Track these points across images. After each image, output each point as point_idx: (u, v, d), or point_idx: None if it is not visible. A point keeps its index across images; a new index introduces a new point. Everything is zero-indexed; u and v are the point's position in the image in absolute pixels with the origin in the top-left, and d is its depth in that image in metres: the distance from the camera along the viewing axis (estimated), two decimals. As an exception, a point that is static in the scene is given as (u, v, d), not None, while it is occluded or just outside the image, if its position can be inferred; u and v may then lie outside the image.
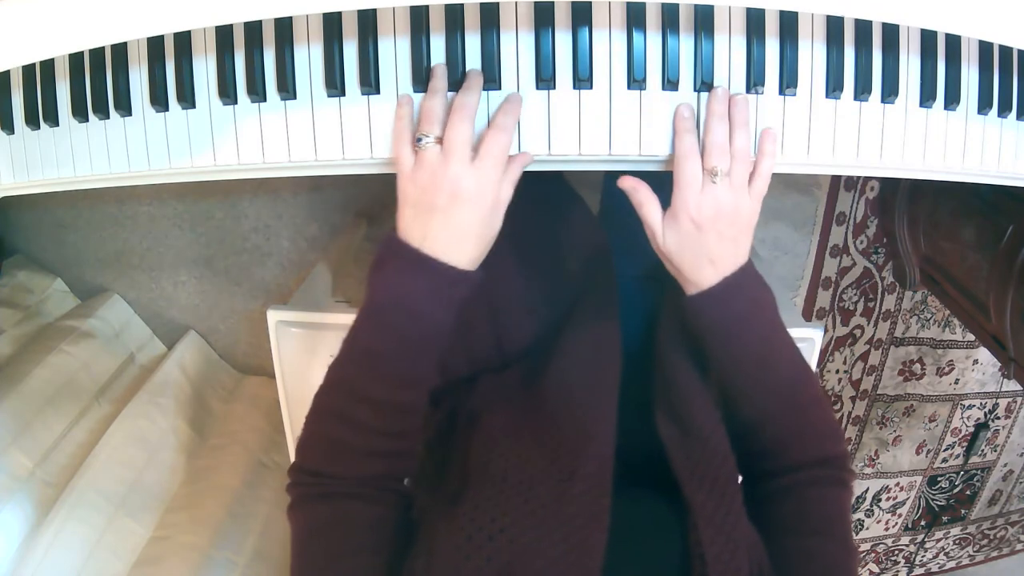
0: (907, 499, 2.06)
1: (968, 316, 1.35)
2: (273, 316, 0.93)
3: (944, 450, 1.98)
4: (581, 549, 0.44)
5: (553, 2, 0.53)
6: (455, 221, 0.51)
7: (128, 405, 1.36)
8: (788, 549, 0.52)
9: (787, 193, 1.57)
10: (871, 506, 2.04)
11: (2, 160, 0.64)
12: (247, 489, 1.34)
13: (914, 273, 1.59)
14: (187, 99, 0.57)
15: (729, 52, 0.55)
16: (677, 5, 0.53)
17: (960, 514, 2.12)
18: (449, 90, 0.55)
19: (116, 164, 0.60)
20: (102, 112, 0.59)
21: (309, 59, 0.56)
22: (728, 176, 0.54)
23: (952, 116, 0.58)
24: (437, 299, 0.53)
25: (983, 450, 2.00)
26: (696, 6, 0.53)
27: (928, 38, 0.56)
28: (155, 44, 0.57)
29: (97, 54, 0.59)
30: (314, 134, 0.57)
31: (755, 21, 0.54)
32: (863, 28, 0.55)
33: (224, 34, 0.56)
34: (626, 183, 0.57)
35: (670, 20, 0.54)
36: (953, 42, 0.57)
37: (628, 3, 0.54)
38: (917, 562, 2.21)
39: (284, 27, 0.55)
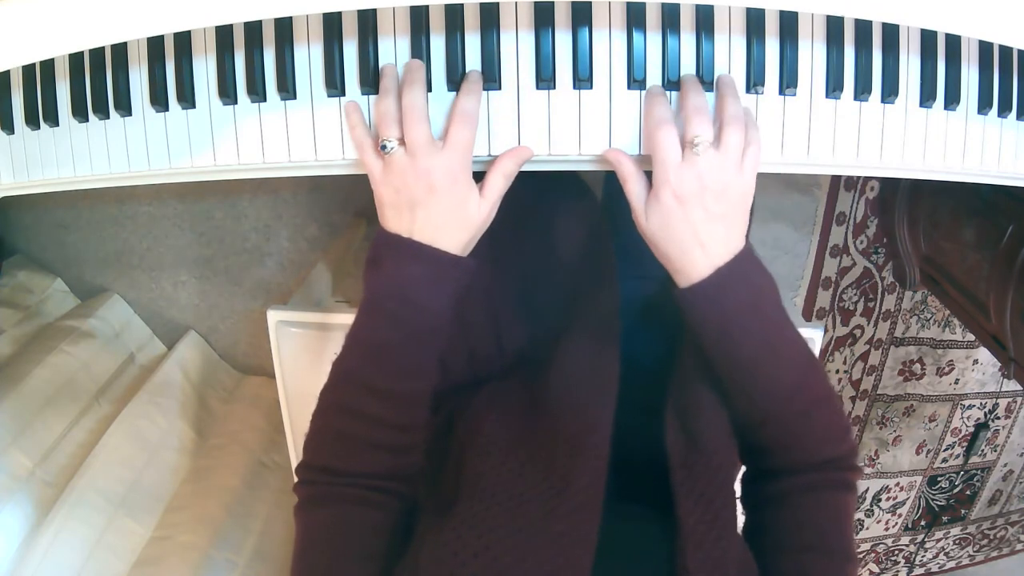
0: (907, 499, 2.06)
1: (968, 316, 1.35)
2: (273, 316, 0.93)
3: (944, 450, 1.98)
4: (568, 569, 0.44)
5: (553, 2, 0.53)
6: (436, 211, 0.52)
7: (128, 405, 1.36)
8: (782, 568, 0.51)
9: (787, 193, 1.57)
10: (871, 506, 2.04)
11: (2, 160, 0.64)
12: (247, 489, 1.34)
13: (914, 273, 1.59)
14: (187, 99, 0.57)
15: (729, 52, 0.55)
16: (677, 5, 0.53)
17: (960, 514, 2.12)
18: (450, 90, 0.55)
19: (116, 164, 0.60)
20: (102, 112, 0.59)
21: (309, 59, 0.56)
22: (715, 147, 0.49)
23: (952, 116, 0.58)
24: (434, 285, 0.53)
25: (983, 450, 2.00)
26: (696, 6, 0.53)
27: (928, 38, 0.56)
28: (155, 44, 0.57)
29: (97, 54, 0.59)
30: (314, 134, 0.57)
31: (755, 21, 0.54)
32: (863, 28, 0.55)
33: (224, 34, 0.56)
34: (611, 155, 0.54)
35: (670, 20, 0.54)
36: (953, 42, 0.57)
37: (628, 3, 0.53)
38: (917, 562, 2.21)
39: (284, 27, 0.55)
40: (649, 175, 0.52)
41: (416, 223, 0.52)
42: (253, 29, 0.55)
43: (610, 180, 0.86)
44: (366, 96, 0.56)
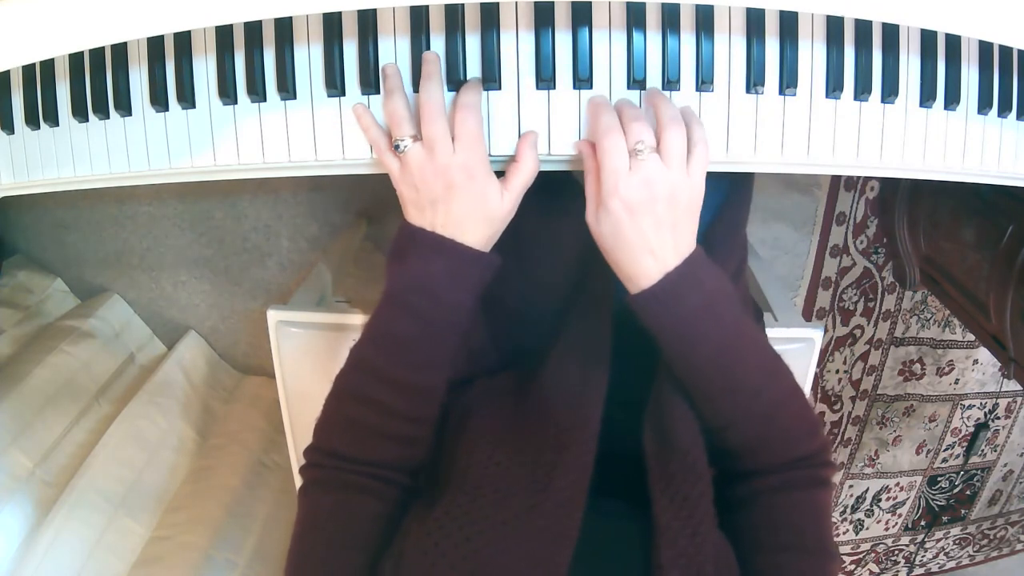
0: (907, 499, 2.06)
1: (968, 316, 1.35)
2: (273, 316, 0.93)
3: (944, 450, 1.98)
4: (546, 564, 0.44)
5: (553, 2, 0.53)
6: (457, 206, 0.52)
7: (128, 405, 1.36)
8: (760, 567, 0.50)
9: (787, 193, 1.57)
10: (871, 506, 2.04)
11: (2, 160, 0.64)
12: (247, 489, 1.34)
13: (914, 273, 1.59)
14: (187, 99, 0.57)
15: (729, 52, 0.55)
16: (677, 5, 0.53)
17: (960, 514, 2.12)
18: (451, 90, 0.55)
19: (116, 164, 0.60)
20: (102, 112, 0.59)
21: (309, 59, 0.56)
22: (658, 151, 0.49)
23: (952, 116, 0.58)
24: (457, 280, 0.53)
25: (983, 450, 2.00)
26: (696, 6, 0.53)
27: (928, 38, 0.56)
28: (155, 44, 0.57)
29: (97, 54, 0.59)
30: (314, 134, 0.57)
31: (755, 21, 0.54)
32: (863, 28, 0.55)
33: (224, 34, 0.56)
34: (579, 146, 0.54)
35: (670, 20, 0.54)
36: (953, 42, 0.57)
37: (628, 3, 0.54)
38: (917, 562, 2.21)
39: (284, 27, 0.55)
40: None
41: (438, 219, 0.52)
42: (253, 29, 0.55)
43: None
44: (366, 96, 0.56)
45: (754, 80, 0.55)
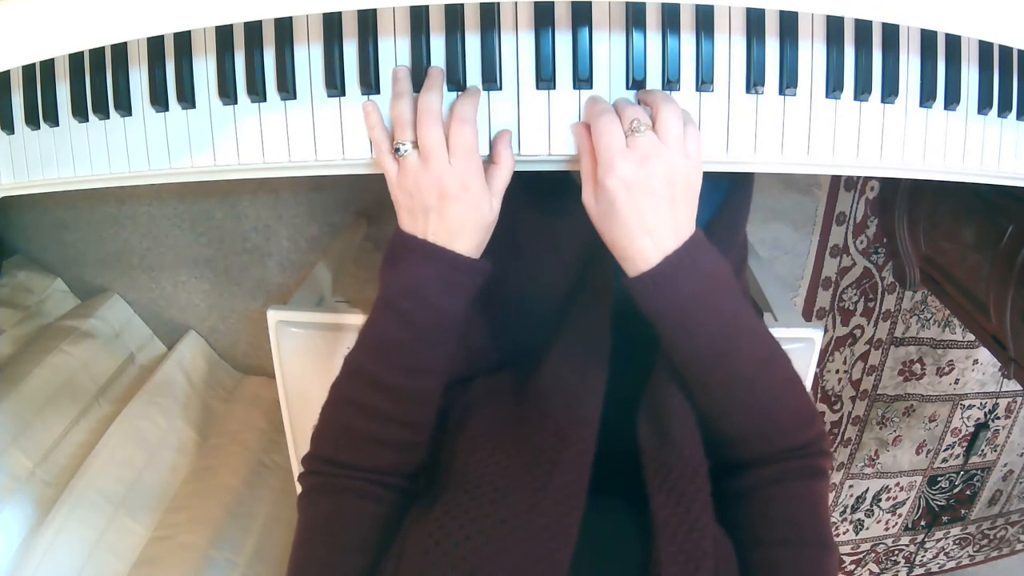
0: (907, 499, 2.06)
1: (968, 316, 1.35)
2: (273, 316, 0.93)
3: (944, 450, 1.98)
4: (546, 563, 0.44)
5: (553, 2, 0.53)
6: (449, 216, 0.52)
7: (128, 405, 1.36)
8: (757, 562, 0.50)
9: (787, 193, 1.57)
10: (871, 506, 2.04)
11: (2, 160, 0.64)
12: (247, 489, 1.34)
13: (914, 273, 1.59)
14: (187, 99, 0.57)
15: (729, 52, 0.55)
16: (677, 5, 0.53)
17: (960, 514, 2.12)
18: (451, 90, 0.55)
19: (116, 164, 0.60)
20: (102, 112, 0.59)
21: (309, 59, 0.56)
22: (654, 129, 0.49)
23: (952, 116, 0.58)
24: (448, 287, 0.54)
25: (983, 450, 2.00)
26: (696, 6, 0.53)
27: (928, 38, 0.56)
28: (155, 44, 0.57)
29: (97, 54, 0.59)
30: (314, 134, 0.57)
31: (755, 21, 0.54)
32: (863, 28, 0.55)
33: (224, 34, 0.56)
34: (574, 128, 0.54)
35: (670, 20, 0.54)
36: (953, 42, 0.57)
37: (628, 3, 0.54)
38: (917, 562, 2.21)
39: (284, 27, 0.55)
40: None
41: (431, 226, 0.53)
42: (253, 29, 0.55)
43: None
44: (366, 96, 0.56)
45: (754, 80, 0.55)
